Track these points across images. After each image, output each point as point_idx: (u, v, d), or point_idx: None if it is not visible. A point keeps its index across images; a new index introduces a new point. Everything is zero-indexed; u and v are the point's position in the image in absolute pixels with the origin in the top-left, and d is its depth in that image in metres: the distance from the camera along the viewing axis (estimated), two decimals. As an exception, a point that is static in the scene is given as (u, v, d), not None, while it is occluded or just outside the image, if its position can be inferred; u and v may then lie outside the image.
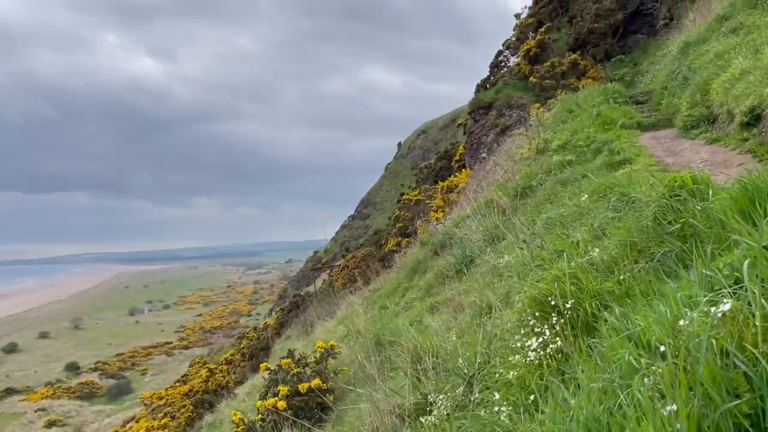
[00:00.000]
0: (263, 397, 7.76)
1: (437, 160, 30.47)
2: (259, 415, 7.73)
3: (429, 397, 3.54)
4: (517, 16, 25.82)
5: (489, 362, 3.40)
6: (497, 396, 2.81)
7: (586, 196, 5.25)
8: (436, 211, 20.60)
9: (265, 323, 36.00)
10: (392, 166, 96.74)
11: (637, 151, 7.70)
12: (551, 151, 9.90)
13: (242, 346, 29.32)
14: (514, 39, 25.33)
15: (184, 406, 29.61)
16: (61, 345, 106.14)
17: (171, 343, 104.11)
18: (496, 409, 2.76)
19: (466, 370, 3.55)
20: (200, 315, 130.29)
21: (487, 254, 8.07)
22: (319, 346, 8.35)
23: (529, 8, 24.93)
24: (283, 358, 8.51)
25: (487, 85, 24.32)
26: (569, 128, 10.46)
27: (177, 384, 60.85)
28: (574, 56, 20.09)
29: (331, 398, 7.67)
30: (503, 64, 25.15)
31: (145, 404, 61.58)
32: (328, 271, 38.91)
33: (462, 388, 3.43)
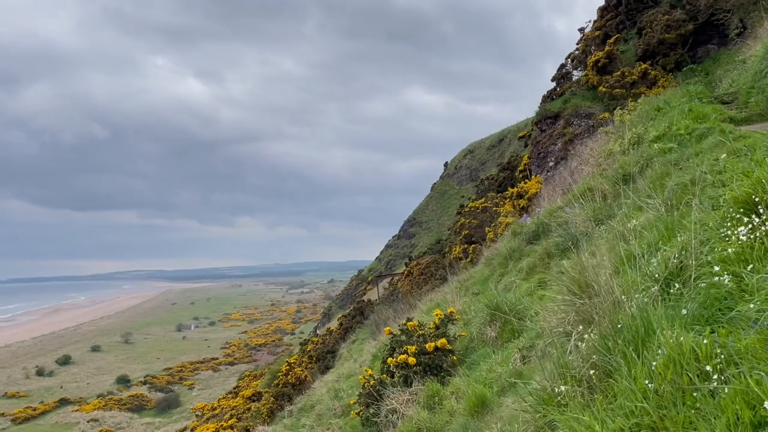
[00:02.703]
0: (390, 356, 8.42)
1: (500, 171, 31.03)
2: (385, 374, 8.39)
3: (622, 297, 4.09)
4: (582, 30, 26.41)
5: (681, 267, 3.97)
6: (717, 268, 3.39)
7: (724, 155, 5.79)
8: (506, 216, 21.09)
9: (329, 329, 36.81)
10: (438, 186, 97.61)
11: (747, 133, 8.19)
12: (648, 142, 10.41)
13: (308, 349, 30.17)
14: (578, 52, 25.90)
15: (249, 409, 30.48)
16: (112, 358, 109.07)
17: (217, 359, 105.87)
18: (716, 278, 3.34)
19: (657, 275, 4.13)
20: (245, 332, 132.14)
21: (596, 232, 8.59)
22: (436, 314, 9.00)
23: (594, 22, 25.47)
24: (407, 321, 9.19)
25: (554, 96, 24.88)
26: (664, 122, 10.96)
27: (229, 396, 61.91)
28: (644, 66, 20.50)
29: (454, 358, 8.29)
30: (569, 75, 25.72)
31: (197, 415, 62.75)
32: (389, 279, 39.61)
33: (657, 287, 4.00)
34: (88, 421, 73.04)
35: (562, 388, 3.47)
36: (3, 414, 73.84)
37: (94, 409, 77.56)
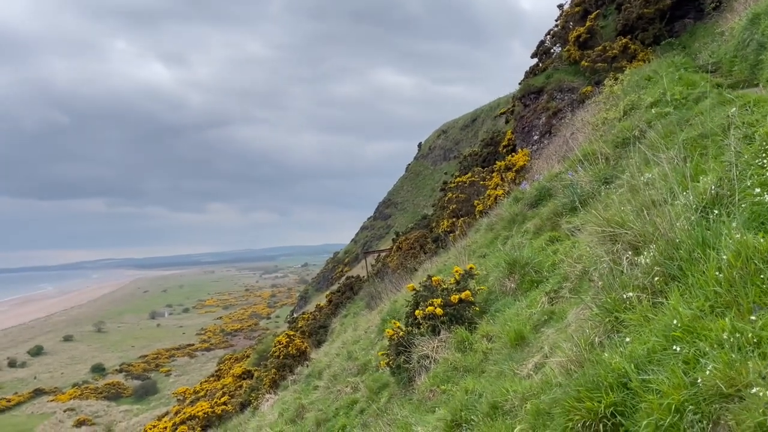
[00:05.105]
0: (415, 309, 9.01)
1: (483, 147, 31.81)
2: (411, 327, 8.98)
3: (651, 228, 4.68)
4: (561, 6, 27.14)
5: (717, 196, 4.58)
6: (758, 190, 4.01)
7: (734, 109, 6.44)
8: (495, 189, 21.79)
9: (318, 305, 37.37)
10: (413, 167, 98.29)
11: (740, 95, 8.91)
12: (644, 108, 11.11)
13: (299, 326, 30.70)
14: (558, 28, 26.62)
15: (240, 386, 30.96)
16: (85, 347, 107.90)
17: (193, 345, 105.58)
18: (757, 198, 3.96)
19: (694, 206, 4.73)
20: (220, 318, 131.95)
21: (604, 190, 9.24)
22: (455, 271, 9.60)
23: (574, -2, 26.18)
24: (431, 276, 9.78)
25: (536, 72, 25.59)
26: (657, 89, 11.68)
27: (211, 379, 62.04)
28: (624, 40, 21.28)
29: (476, 309, 8.92)
30: (549, 52, 26.45)
31: (179, 399, 62.75)
32: (375, 255, 40.23)
33: (695, 216, 4.60)
34: (64, 411, 72.49)
35: (630, 294, 4.08)
36: (-23, 405, 72.90)
37: (70, 399, 76.92)
